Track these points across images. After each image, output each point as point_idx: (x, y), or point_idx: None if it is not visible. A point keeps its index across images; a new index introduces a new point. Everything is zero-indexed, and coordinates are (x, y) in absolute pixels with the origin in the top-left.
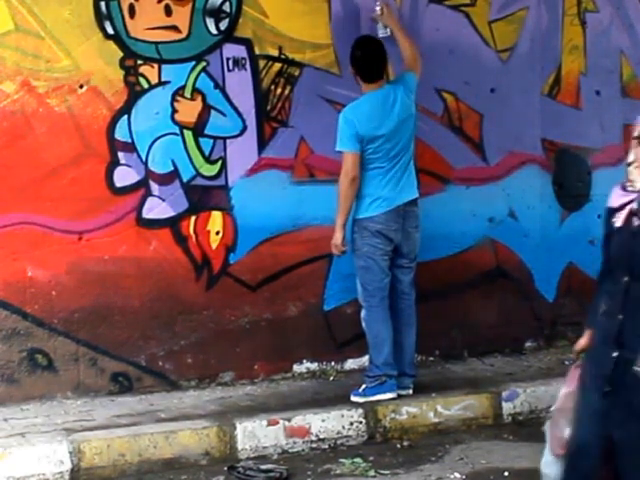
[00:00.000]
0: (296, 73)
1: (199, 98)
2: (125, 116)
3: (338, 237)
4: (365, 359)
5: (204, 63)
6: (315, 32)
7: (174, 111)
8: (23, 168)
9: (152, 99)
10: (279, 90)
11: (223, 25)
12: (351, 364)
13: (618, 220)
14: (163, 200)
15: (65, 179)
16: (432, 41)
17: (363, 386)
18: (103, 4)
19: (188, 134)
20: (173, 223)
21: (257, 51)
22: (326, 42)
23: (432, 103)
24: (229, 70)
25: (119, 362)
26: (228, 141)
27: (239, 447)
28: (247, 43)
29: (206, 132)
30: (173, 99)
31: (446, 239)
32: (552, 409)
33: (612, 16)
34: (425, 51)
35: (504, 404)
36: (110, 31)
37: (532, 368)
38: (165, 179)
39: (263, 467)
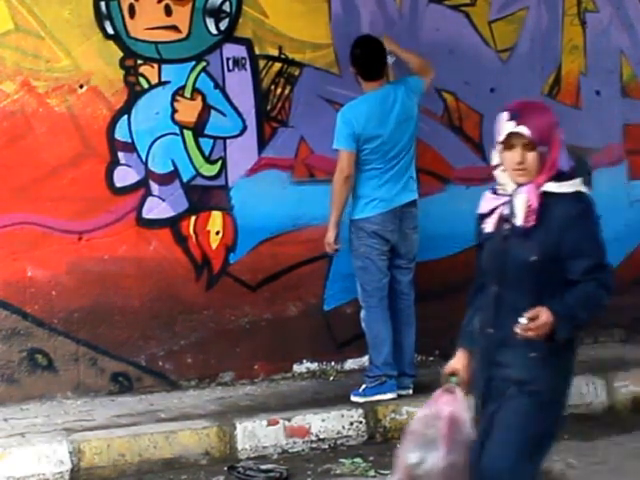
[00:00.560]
0: (296, 73)
1: (199, 98)
2: (125, 116)
3: (331, 235)
4: (365, 359)
5: (204, 63)
6: (315, 32)
7: (174, 111)
8: (23, 168)
9: (152, 99)
10: (279, 90)
11: (223, 25)
12: (351, 364)
13: (488, 226)
14: (163, 200)
15: (65, 179)
16: (432, 41)
17: (363, 386)
18: (103, 4)
19: (188, 134)
20: (173, 223)
21: (257, 51)
22: (326, 42)
23: (432, 103)
24: (229, 70)
25: (119, 362)
26: (228, 141)
27: (239, 447)
28: (247, 43)
29: (206, 132)
30: (173, 99)
31: (446, 239)
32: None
33: (612, 16)
34: (425, 51)
35: None
36: (110, 31)
37: None
38: (165, 179)
39: (263, 467)
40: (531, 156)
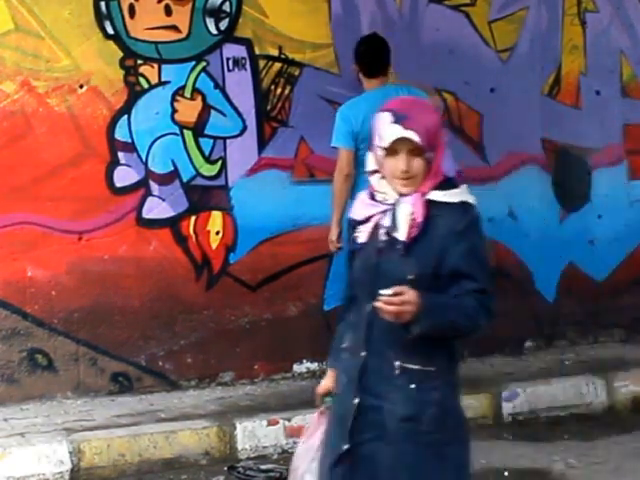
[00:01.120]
0: (296, 73)
1: (199, 98)
2: (125, 116)
3: (334, 233)
4: None
5: (204, 63)
6: (315, 32)
7: (174, 111)
8: (23, 168)
9: (152, 99)
10: (279, 90)
11: (223, 25)
12: None
13: (362, 235)
14: (163, 200)
15: (65, 179)
16: (432, 41)
17: None
18: (103, 4)
19: (188, 134)
20: (173, 223)
21: (257, 51)
22: (326, 42)
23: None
24: (229, 70)
25: (119, 362)
26: (228, 141)
27: (239, 447)
28: (247, 43)
29: (206, 132)
30: (173, 99)
31: None
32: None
33: (612, 16)
34: (425, 51)
35: (504, 404)
36: (110, 31)
37: (532, 368)
38: (165, 179)
39: (263, 467)
40: (417, 163)
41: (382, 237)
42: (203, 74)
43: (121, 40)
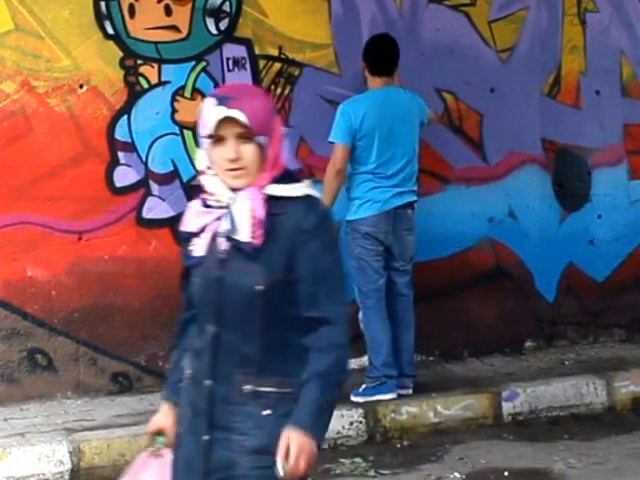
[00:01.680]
0: (296, 73)
1: (199, 98)
2: (125, 116)
3: None
4: (365, 359)
5: (204, 63)
6: (315, 32)
7: (174, 111)
8: (23, 168)
9: (152, 99)
10: (279, 90)
11: (223, 25)
12: (351, 364)
13: (198, 247)
14: (163, 200)
15: (65, 179)
16: (432, 41)
17: (363, 386)
18: (103, 4)
19: (188, 134)
20: (173, 223)
21: (257, 51)
22: (326, 42)
23: (432, 103)
24: (229, 70)
25: (119, 362)
26: None
27: None
28: (247, 43)
29: None
30: (173, 99)
31: (446, 239)
32: None
33: (612, 16)
34: (425, 51)
35: (504, 404)
36: (110, 31)
37: (532, 368)
38: (165, 179)
39: None
40: (248, 149)
41: (222, 246)
42: (203, 74)
43: (121, 40)
